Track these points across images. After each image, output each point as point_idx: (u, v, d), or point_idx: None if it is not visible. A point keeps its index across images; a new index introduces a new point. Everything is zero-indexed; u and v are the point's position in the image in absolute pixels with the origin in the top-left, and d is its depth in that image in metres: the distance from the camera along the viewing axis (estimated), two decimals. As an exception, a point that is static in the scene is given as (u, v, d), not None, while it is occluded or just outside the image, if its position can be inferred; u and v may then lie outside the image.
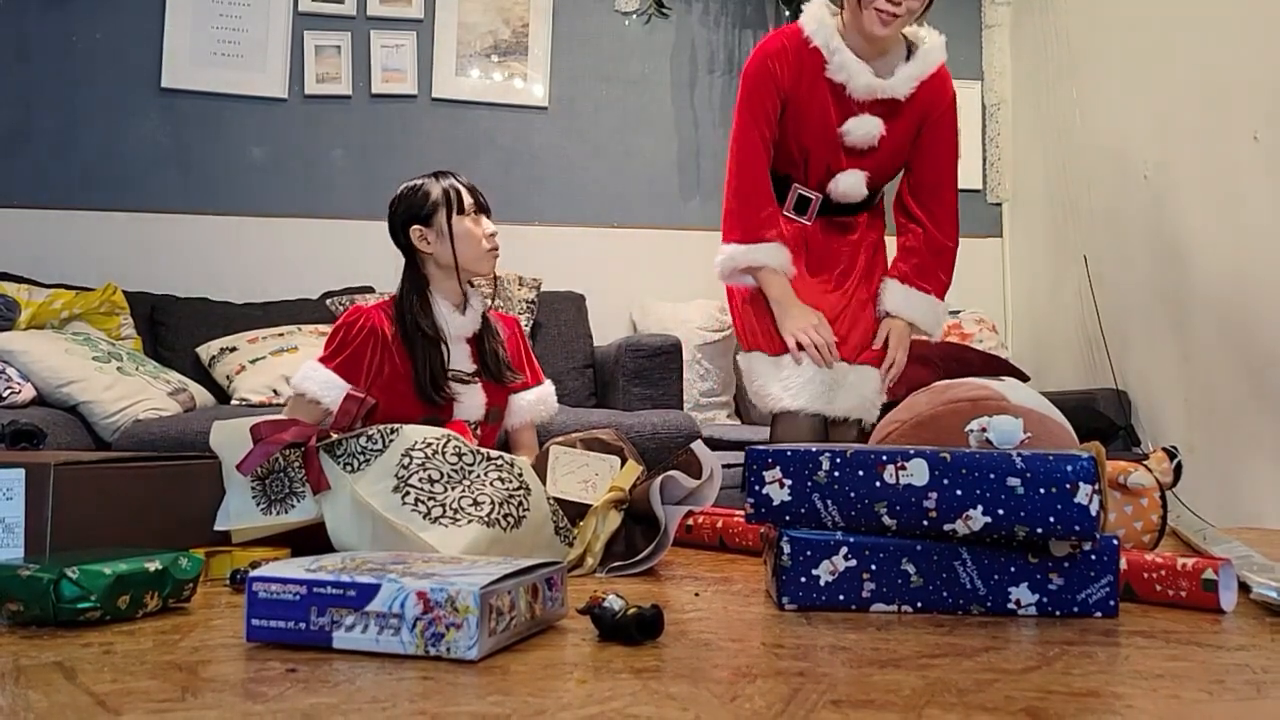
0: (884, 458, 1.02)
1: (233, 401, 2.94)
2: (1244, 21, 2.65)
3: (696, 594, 1.14)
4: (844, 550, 1.02)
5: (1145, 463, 1.35)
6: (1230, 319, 2.71)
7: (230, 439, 1.30)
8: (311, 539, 1.24)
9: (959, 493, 1.00)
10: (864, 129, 2.06)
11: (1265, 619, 1.00)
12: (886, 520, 1.02)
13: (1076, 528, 0.98)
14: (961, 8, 4.00)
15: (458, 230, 1.86)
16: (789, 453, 1.05)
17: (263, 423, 1.29)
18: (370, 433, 1.27)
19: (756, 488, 1.05)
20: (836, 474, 1.03)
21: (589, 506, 1.35)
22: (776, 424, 2.09)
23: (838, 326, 2.09)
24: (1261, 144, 2.58)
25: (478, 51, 3.79)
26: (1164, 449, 1.40)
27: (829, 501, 1.03)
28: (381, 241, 1.96)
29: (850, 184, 2.10)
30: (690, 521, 1.59)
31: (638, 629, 0.86)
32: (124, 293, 3.12)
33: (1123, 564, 1.07)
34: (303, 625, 0.83)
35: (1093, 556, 1.00)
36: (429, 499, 1.20)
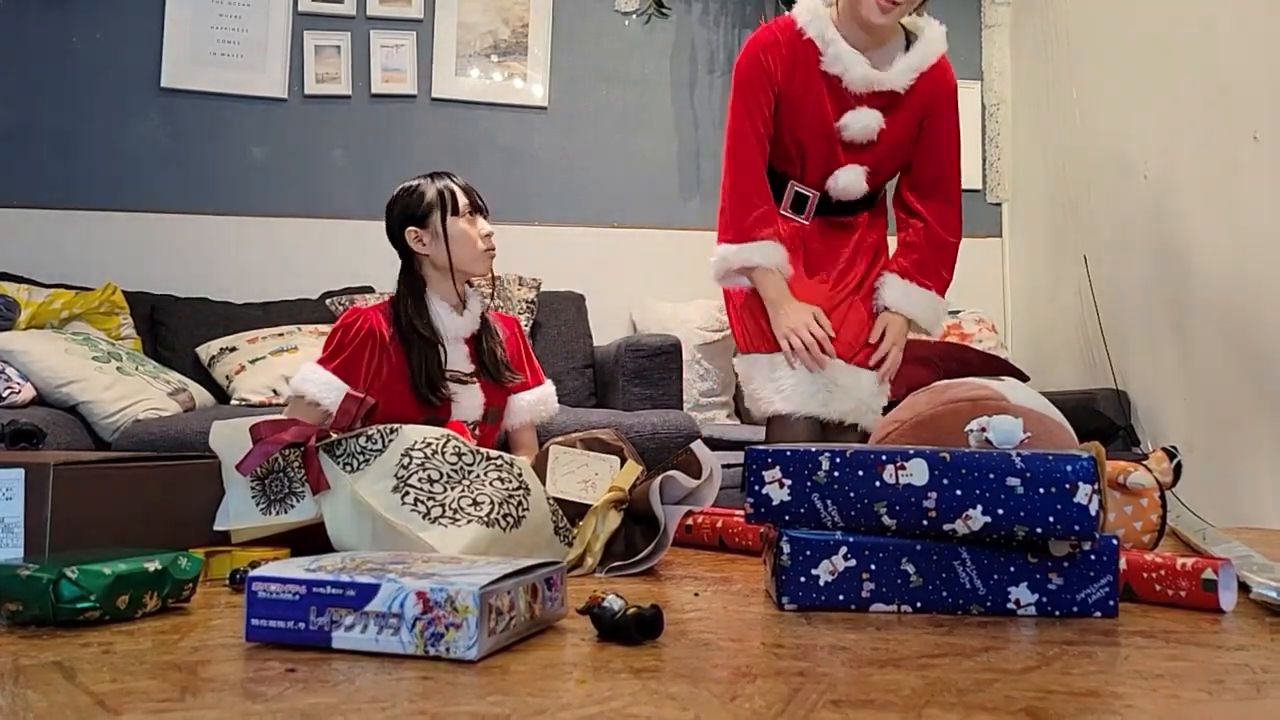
0: (884, 458, 1.02)
1: (232, 401, 2.94)
2: (1244, 21, 2.65)
3: (696, 594, 1.14)
4: (844, 550, 1.02)
5: (1145, 463, 1.35)
6: (1230, 319, 2.71)
7: (230, 439, 1.30)
8: (311, 539, 1.24)
9: (959, 492, 1.00)
10: (862, 123, 1.99)
11: (1265, 619, 1.00)
12: (886, 520, 1.02)
13: (1076, 527, 0.98)
14: (961, 8, 4.00)
15: (452, 231, 1.87)
16: (789, 453, 1.05)
17: (262, 423, 1.29)
18: (370, 433, 1.27)
19: (756, 487, 1.05)
20: (836, 474, 1.03)
21: (589, 506, 1.35)
22: (771, 428, 2.05)
23: (830, 321, 2.02)
24: (1261, 144, 2.58)
25: (477, 51, 3.79)
26: (1163, 449, 1.40)
27: (829, 501, 1.03)
28: (381, 241, 1.96)
29: (849, 180, 2.03)
30: (690, 521, 1.59)
31: (637, 629, 0.86)
32: (124, 293, 3.13)
33: (1122, 564, 1.07)
34: (302, 625, 0.83)
35: (1092, 556, 1.00)
36: (428, 499, 1.20)
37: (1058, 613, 1.00)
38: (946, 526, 1.00)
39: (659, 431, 2.67)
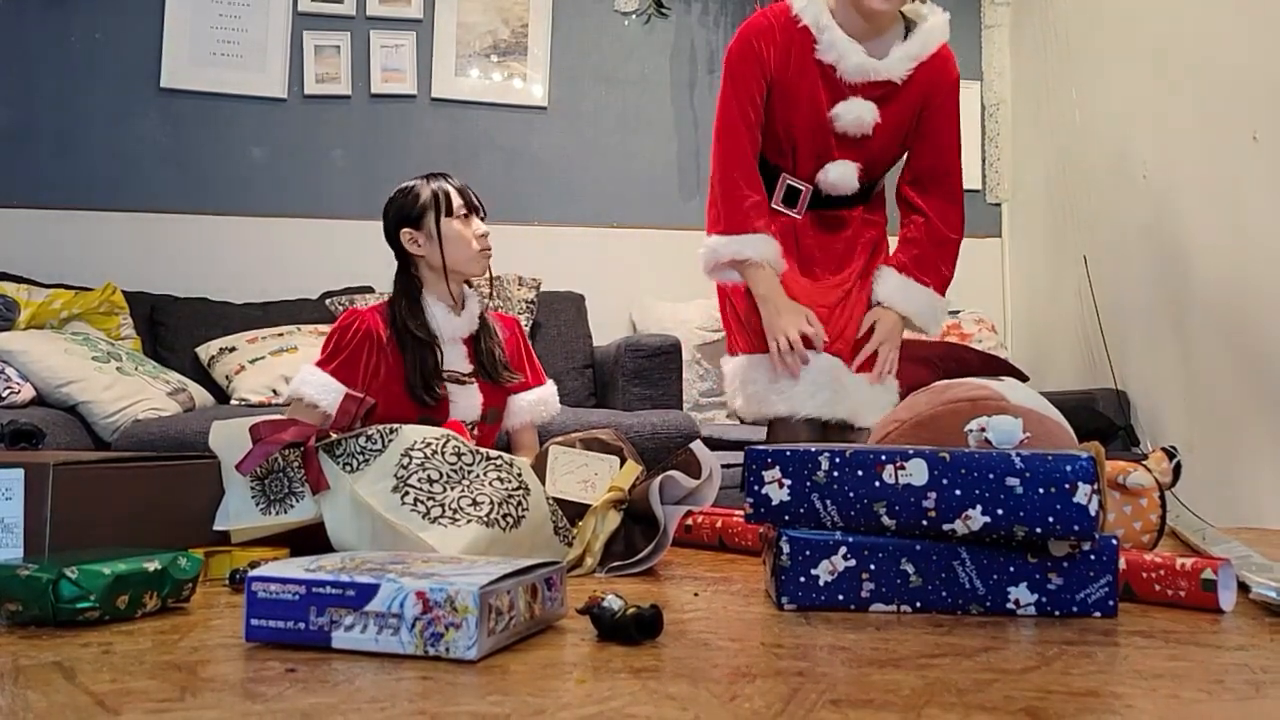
0: (883, 458, 1.02)
1: (232, 401, 2.94)
2: (1244, 21, 2.65)
3: (696, 594, 1.14)
4: (843, 550, 1.02)
5: (1144, 463, 1.35)
6: (1230, 319, 2.71)
7: (229, 439, 1.30)
8: (311, 539, 1.24)
9: (958, 492, 1.00)
10: (854, 114, 1.91)
11: (1264, 619, 1.00)
12: (886, 520, 1.02)
13: (1075, 527, 0.98)
14: (961, 8, 4.00)
15: (446, 232, 1.87)
16: (788, 453, 1.05)
17: (262, 423, 1.29)
18: (369, 433, 1.27)
19: (756, 487, 1.05)
20: (836, 474, 1.03)
21: (588, 506, 1.35)
22: (773, 430, 2.00)
23: (831, 323, 1.96)
24: (1261, 144, 2.58)
25: (477, 51, 3.79)
26: (1163, 449, 1.40)
27: (828, 501, 1.03)
28: (381, 241, 1.96)
29: (840, 175, 1.96)
30: (689, 521, 1.59)
31: (637, 629, 0.86)
32: (123, 293, 3.13)
33: (1122, 564, 1.07)
34: (302, 625, 0.83)
35: (1092, 556, 1.00)
36: (428, 499, 1.20)
37: (1057, 613, 1.00)
38: (946, 526, 1.00)
39: (659, 431, 2.67)
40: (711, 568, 1.35)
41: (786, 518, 1.04)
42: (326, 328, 2.87)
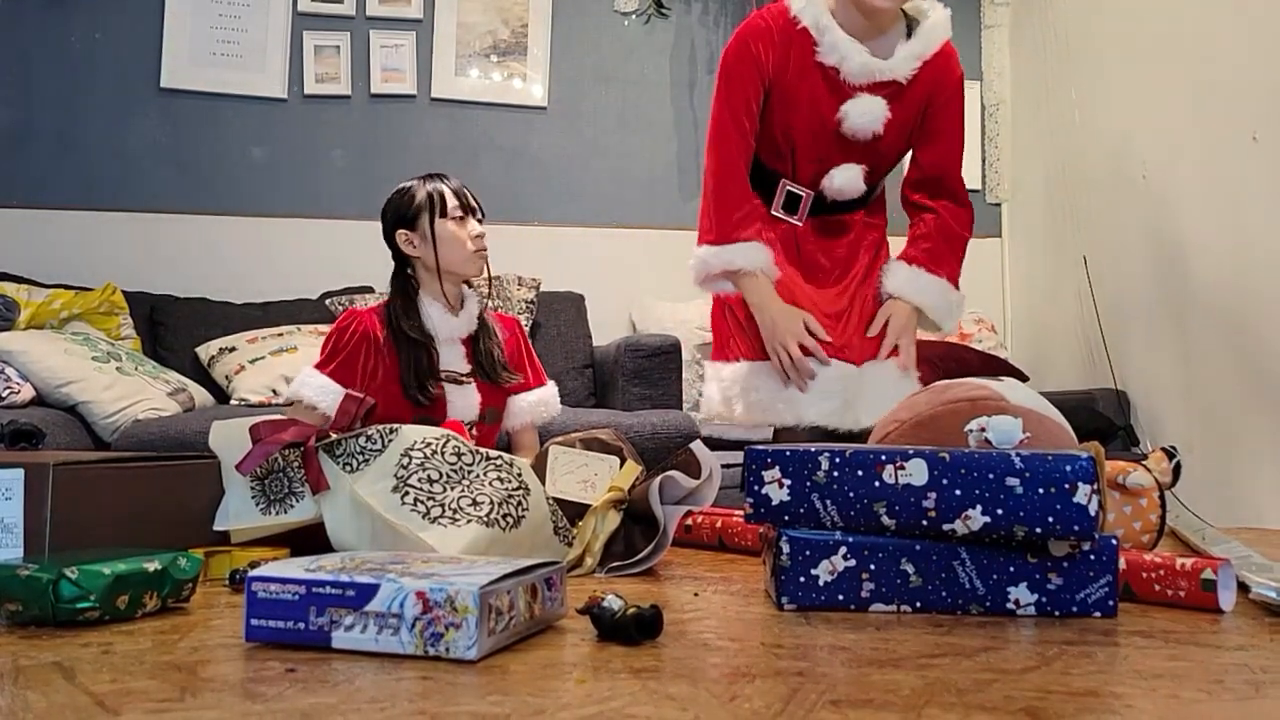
0: (883, 458, 1.02)
1: (232, 401, 2.94)
2: (1243, 22, 2.65)
3: (696, 594, 1.14)
4: (843, 550, 1.02)
5: (1144, 463, 1.35)
6: (1230, 319, 2.71)
7: (229, 439, 1.30)
8: (311, 539, 1.24)
9: (958, 493, 1.00)
10: (864, 109, 1.85)
11: (1264, 619, 1.00)
12: (885, 520, 1.02)
13: (1075, 528, 0.98)
14: (961, 8, 4.00)
15: (440, 233, 1.87)
16: (788, 453, 1.05)
17: (262, 423, 1.29)
18: (369, 433, 1.27)
19: (756, 487, 1.05)
20: (836, 474, 1.03)
21: (588, 506, 1.35)
22: (779, 440, 1.94)
23: (840, 329, 1.90)
24: (1261, 144, 2.58)
25: (477, 51, 3.79)
26: (1163, 449, 1.40)
27: (828, 501, 1.03)
28: (381, 242, 1.96)
29: (846, 180, 1.91)
30: (689, 521, 1.59)
31: (637, 629, 0.86)
32: (123, 293, 3.13)
33: (1121, 564, 1.07)
34: (302, 625, 0.83)
35: (1091, 556, 1.00)
36: (428, 499, 1.20)
37: (1057, 613, 1.00)
38: (946, 526, 1.00)
39: (658, 431, 2.67)
40: (711, 568, 1.35)
41: (786, 518, 1.04)
42: (326, 328, 2.87)
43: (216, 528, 1.27)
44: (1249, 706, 0.70)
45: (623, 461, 1.48)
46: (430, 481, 1.22)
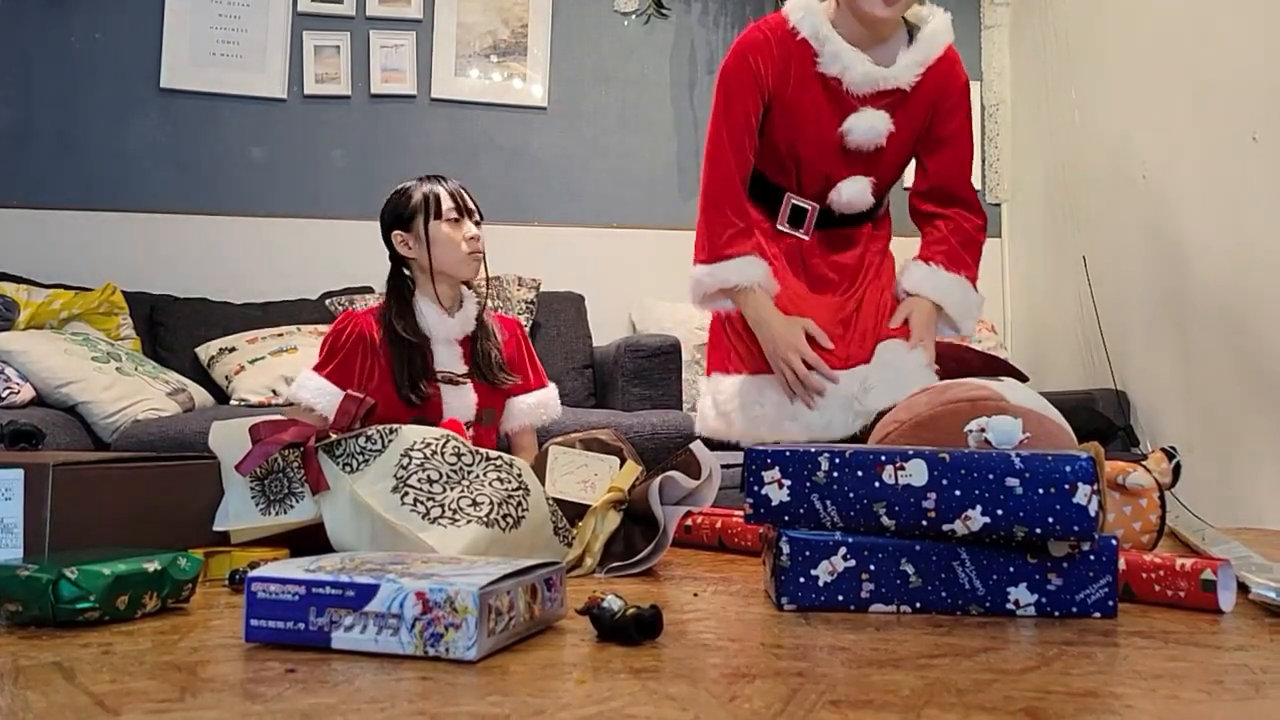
0: (883, 458, 1.02)
1: (232, 402, 2.94)
2: (1243, 22, 2.65)
3: (695, 594, 1.14)
4: (843, 550, 1.02)
5: (1144, 463, 1.35)
6: (1230, 319, 2.71)
7: (229, 439, 1.30)
8: (310, 539, 1.24)
9: (958, 493, 1.00)
10: (868, 125, 1.82)
11: (1264, 619, 1.00)
12: (885, 521, 1.02)
13: (1075, 528, 0.98)
14: (961, 8, 4.00)
15: (434, 235, 1.88)
16: (788, 453, 1.05)
17: (262, 423, 1.29)
18: (369, 433, 1.27)
19: (755, 488, 1.05)
20: (835, 474, 1.03)
21: (588, 507, 1.35)
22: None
23: (849, 335, 1.85)
24: (1261, 144, 2.58)
25: (477, 52, 3.79)
26: (1163, 449, 1.40)
27: (828, 502, 1.03)
28: (380, 242, 1.97)
29: (854, 192, 1.87)
30: (689, 522, 1.59)
31: (636, 629, 0.86)
32: (123, 293, 3.13)
33: (1121, 564, 1.07)
34: (301, 626, 0.83)
35: (1091, 557, 1.00)
36: (428, 499, 1.20)
37: (1057, 613, 1.00)
38: (946, 527, 1.00)
39: (658, 432, 2.67)
40: (711, 568, 1.35)
41: (786, 518, 1.04)
42: (326, 328, 2.87)
43: (216, 528, 1.27)
44: (1249, 707, 0.70)
45: (622, 462, 1.48)
46: (430, 482, 1.22)
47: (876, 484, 1.02)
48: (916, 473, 1.01)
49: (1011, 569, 1.01)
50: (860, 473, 1.02)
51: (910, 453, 1.02)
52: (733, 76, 1.85)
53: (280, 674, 0.76)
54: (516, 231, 3.65)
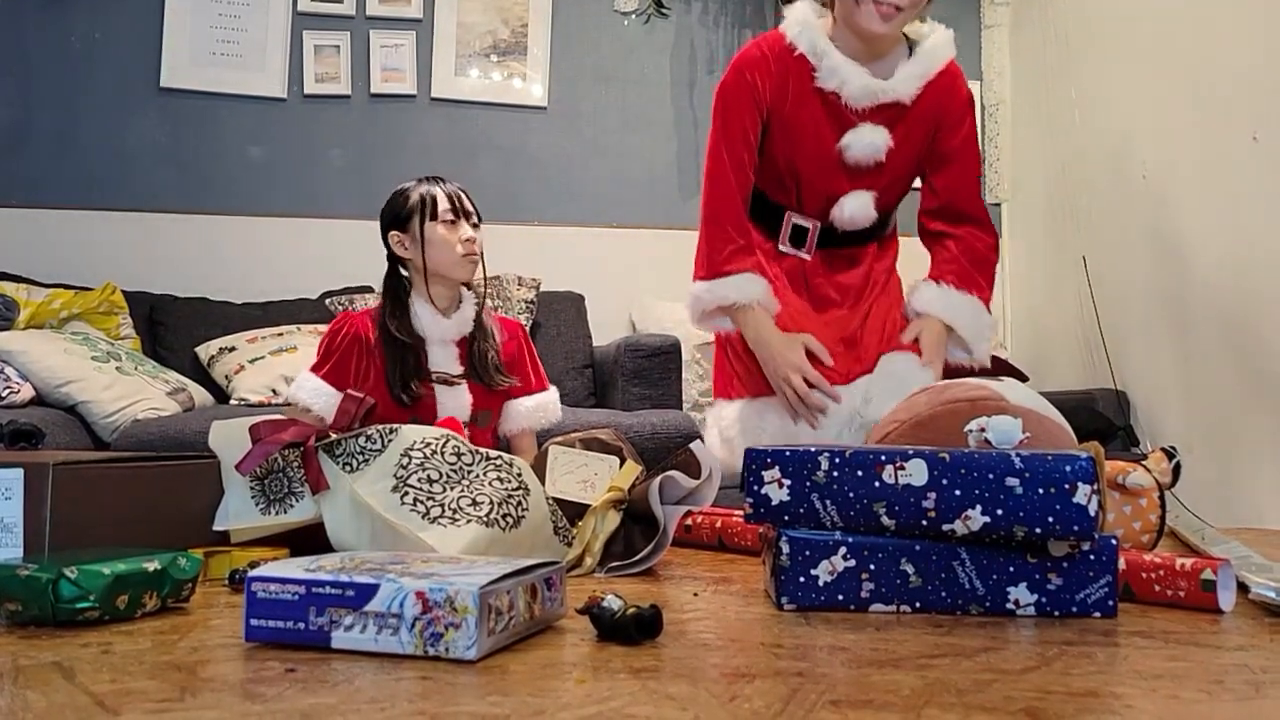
0: (883, 458, 1.02)
1: (232, 401, 2.94)
2: (1243, 22, 2.65)
3: (695, 594, 1.14)
4: (843, 550, 1.02)
5: (1144, 463, 1.35)
6: (1230, 319, 2.71)
7: (229, 439, 1.30)
8: (310, 539, 1.24)
9: (958, 493, 1.00)
10: (866, 141, 1.80)
11: (1264, 619, 1.00)
12: (885, 520, 1.02)
13: (1075, 528, 0.97)
14: (961, 8, 4.00)
15: (430, 236, 1.89)
16: (788, 453, 1.05)
17: (262, 423, 1.29)
18: (369, 433, 1.27)
19: (755, 487, 1.05)
20: (835, 474, 1.03)
21: (588, 506, 1.35)
22: None
23: (855, 354, 1.82)
24: (1261, 144, 2.58)
25: (477, 51, 3.79)
26: (1163, 449, 1.40)
27: (828, 501, 1.03)
28: (380, 242, 1.97)
29: (856, 208, 1.83)
30: (689, 521, 1.59)
31: (636, 629, 0.86)
32: (123, 292, 3.13)
33: (1121, 564, 1.07)
34: (301, 625, 0.82)
35: (1091, 557, 1.00)
36: (428, 499, 1.20)
37: (1057, 613, 1.00)
38: (946, 527, 1.00)
39: (658, 431, 2.67)
40: (711, 568, 1.35)
41: (786, 518, 1.04)
42: (326, 328, 2.87)
43: (216, 528, 1.26)
44: (1249, 707, 0.70)
45: (622, 461, 1.48)
46: (430, 481, 1.22)
47: (876, 484, 1.02)
48: (916, 472, 1.01)
49: (1011, 569, 1.01)
50: (860, 472, 1.02)
51: (910, 452, 1.02)
52: (730, 93, 1.82)
53: (280, 674, 0.76)
54: (516, 231, 3.65)
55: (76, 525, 1.09)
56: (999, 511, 0.99)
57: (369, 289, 3.35)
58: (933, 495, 1.00)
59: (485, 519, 1.18)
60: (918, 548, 1.02)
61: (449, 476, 1.24)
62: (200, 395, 2.89)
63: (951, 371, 1.85)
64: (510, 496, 1.23)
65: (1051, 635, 0.92)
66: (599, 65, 3.87)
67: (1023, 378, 2.83)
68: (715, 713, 0.67)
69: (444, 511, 1.19)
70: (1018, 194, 3.99)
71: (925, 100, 1.82)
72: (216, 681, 0.74)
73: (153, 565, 0.97)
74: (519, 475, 1.27)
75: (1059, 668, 0.80)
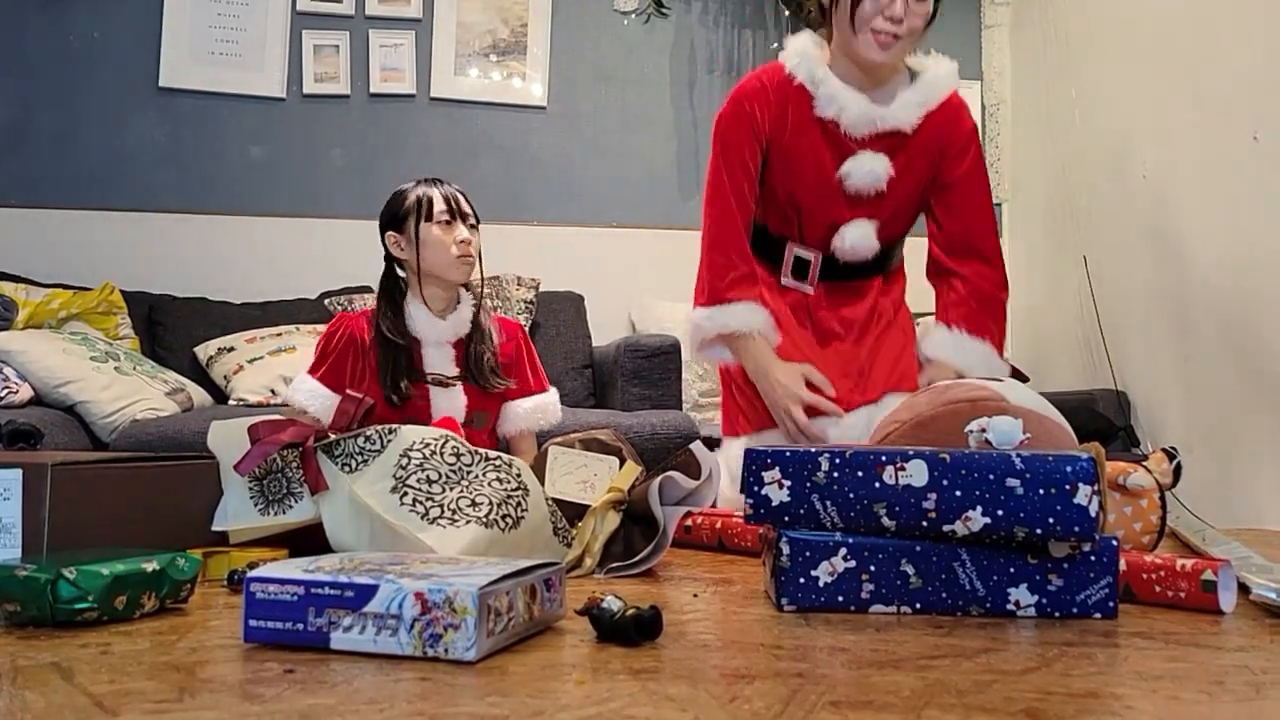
0: (883, 458, 1.02)
1: (230, 401, 2.94)
2: (1244, 22, 2.65)
3: (695, 595, 1.14)
4: (843, 551, 1.02)
5: (1144, 464, 1.35)
6: (1230, 319, 2.71)
7: (228, 439, 1.30)
8: (309, 539, 1.24)
9: (958, 493, 0.99)
10: (867, 169, 1.77)
11: (1265, 620, 1.00)
12: (886, 521, 1.01)
13: (1076, 529, 0.97)
14: (961, 8, 4.00)
15: (425, 237, 1.89)
16: (788, 453, 1.04)
17: (261, 423, 1.29)
18: (368, 433, 1.27)
19: (755, 488, 1.05)
20: (836, 475, 1.03)
21: (587, 507, 1.35)
22: None
23: (857, 386, 1.79)
24: (1261, 144, 2.58)
25: (476, 51, 3.79)
26: (1163, 450, 1.40)
27: (828, 502, 1.03)
28: (379, 242, 1.97)
29: (857, 237, 1.81)
30: (689, 522, 1.59)
31: (636, 630, 0.86)
32: (122, 292, 3.13)
33: (1122, 565, 1.06)
34: (300, 626, 0.82)
35: (1092, 557, 1.00)
36: (427, 499, 1.20)
37: (1057, 614, 1.00)
38: (946, 527, 1.00)
39: (658, 432, 2.67)
40: (711, 569, 1.35)
41: (786, 519, 1.04)
42: (325, 328, 2.87)
43: (215, 528, 1.26)
44: (1249, 708, 0.70)
45: (622, 462, 1.48)
46: (429, 482, 1.22)
47: (877, 484, 1.02)
48: (917, 473, 1.01)
49: (1012, 570, 1.01)
50: (860, 473, 1.02)
51: (910, 453, 1.02)
52: (729, 124, 1.81)
53: (279, 674, 0.76)
54: (515, 231, 3.65)
55: (75, 526, 1.09)
56: (999, 512, 0.99)
57: (368, 289, 3.35)
58: (933, 496, 1.00)
59: (485, 520, 1.18)
60: (918, 548, 1.02)
61: (448, 477, 1.23)
62: (199, 395, 2.89)
63: None
64: (510, 497, 1.23)
65: (1052, 636, 0.92)
66: (599, 65, 3.87)
67: (1023, 378, 2.83)
68: (715, 714, 0.66)
69: (443, 512, 1.19)
70: (1018, 194, 3.99)
71: (927, 130, 1.80)
72: (215, 682, 0.74)
73: (151, 566, 0.96)
74: (518, 476, 1.27)
75: (1059, 669, 0.79)
